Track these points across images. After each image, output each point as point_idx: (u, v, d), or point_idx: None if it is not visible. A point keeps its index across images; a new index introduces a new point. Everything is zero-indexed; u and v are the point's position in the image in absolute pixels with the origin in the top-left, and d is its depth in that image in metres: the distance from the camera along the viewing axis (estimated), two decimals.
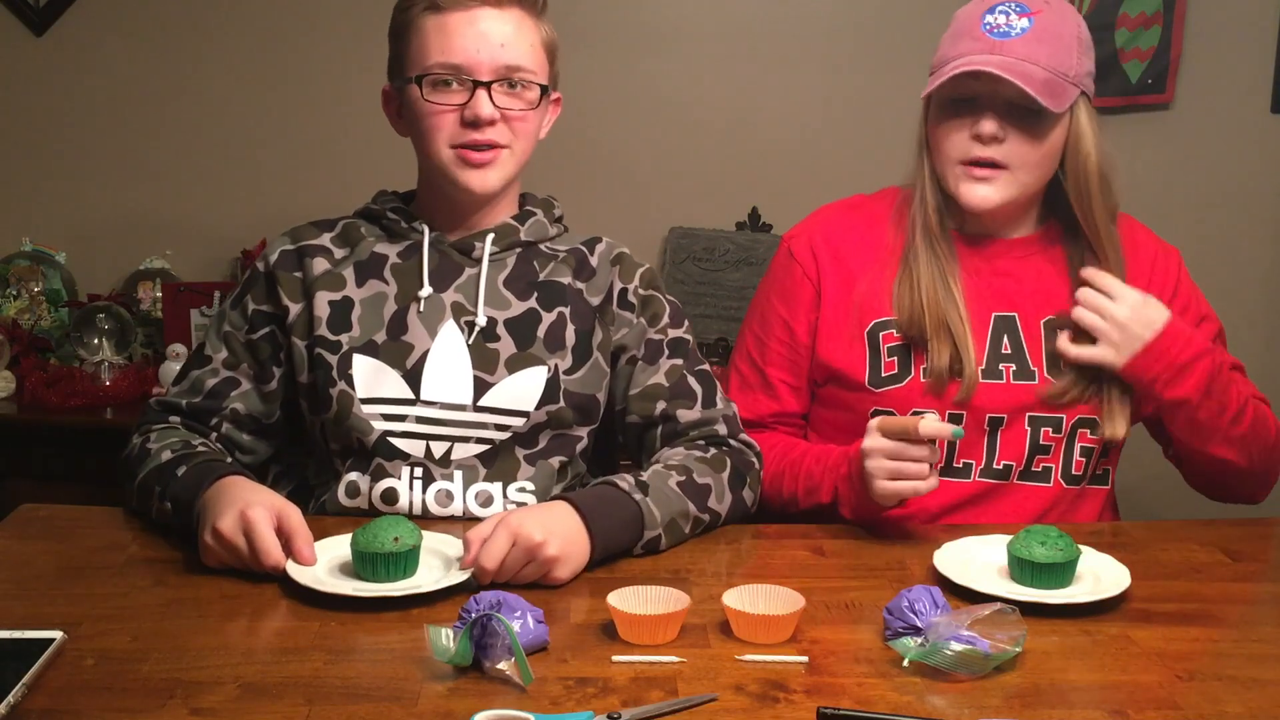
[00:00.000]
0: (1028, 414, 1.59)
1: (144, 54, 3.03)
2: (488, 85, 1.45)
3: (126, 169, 3.07)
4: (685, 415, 1.55)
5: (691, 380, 1.57)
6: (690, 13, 3.08)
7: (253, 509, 1.28)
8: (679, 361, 1.58)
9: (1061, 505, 1.62)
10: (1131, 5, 3.06)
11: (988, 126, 1.51)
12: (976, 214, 1.58)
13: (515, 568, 1.27)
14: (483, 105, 1.45)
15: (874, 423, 1.45)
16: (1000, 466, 1.60)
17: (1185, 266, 1.69)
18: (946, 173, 1.56)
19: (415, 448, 1.50)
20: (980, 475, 1.61)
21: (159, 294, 2.94)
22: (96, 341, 2.88)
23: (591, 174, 3.04)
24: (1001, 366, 1.59)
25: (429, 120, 1.47)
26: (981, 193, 1.54)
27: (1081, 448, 1.61)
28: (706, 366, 1.61)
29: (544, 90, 1.50)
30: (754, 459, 1.57)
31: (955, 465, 1.61)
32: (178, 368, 2.79)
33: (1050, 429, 1.59)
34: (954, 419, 1.58)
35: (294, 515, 1.30)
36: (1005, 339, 1.60)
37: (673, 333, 1.60)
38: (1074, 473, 1.62)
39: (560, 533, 1.30)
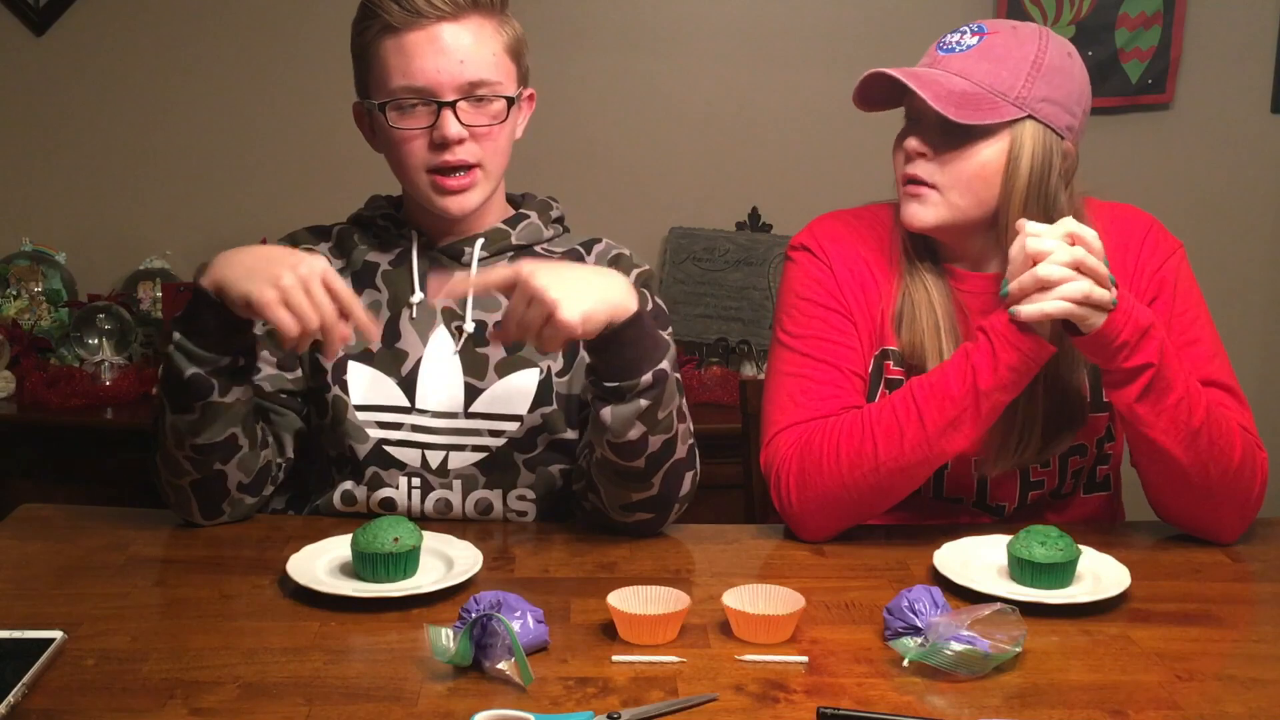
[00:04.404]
0: None
1: (144, 54, 3.04)
2: (452, 105, 1.42)
3: (126, 169, 3.07)
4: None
5: None
6: (690, 13, 3.08)
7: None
8: None
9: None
10: (1131, 5, 3.06)
11: (911, 142, 1.47)
12: (915, 232, 1.51)
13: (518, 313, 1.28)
14: (449, 126, 1.42)
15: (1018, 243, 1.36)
16: (992, 505, 1.58)
17: (1186, 264, 1.58)
18: (898, 191, 1.53)
19: (411, 457, 1.50)
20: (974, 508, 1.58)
21: (159, 294, 2.94)
22: (96, 341, 2.88)
23: (591, 174, 3.04)
24: None
25: (400, 148, 1.45)
26: (912, 210, 1.49)
27: (1073, 472, 1.58)
28: (679, 378, 1.54)
29: (510, 101, 1.47)
30: (698, 467, 1.48)
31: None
32: None
33: (1038, 464, 1.55)
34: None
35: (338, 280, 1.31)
36: None
37: None
38: (1064, 493, 1.60)
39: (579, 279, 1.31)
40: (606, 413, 1.35)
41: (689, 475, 1.45)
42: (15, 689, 1.00)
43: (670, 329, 1.59)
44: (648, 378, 1.34)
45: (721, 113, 3.10)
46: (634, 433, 1.36)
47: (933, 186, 1.47)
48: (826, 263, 1.57)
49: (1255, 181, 3.20)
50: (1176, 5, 3.06)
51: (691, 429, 1.46)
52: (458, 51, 1.42)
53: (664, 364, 1.35)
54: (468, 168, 1.45)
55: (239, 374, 1.39)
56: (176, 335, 1.36)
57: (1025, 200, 1.45)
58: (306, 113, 3.04)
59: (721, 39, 3.08)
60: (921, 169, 1.47)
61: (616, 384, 1.34)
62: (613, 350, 1.33)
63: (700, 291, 3.05)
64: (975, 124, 1.42)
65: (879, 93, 1.50)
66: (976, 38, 1.46)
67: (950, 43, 1.48)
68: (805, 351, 1.54)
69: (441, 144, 1.43)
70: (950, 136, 1.45)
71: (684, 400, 1.44)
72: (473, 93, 1.43)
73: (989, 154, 1.45)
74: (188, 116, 3.06)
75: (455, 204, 1.47)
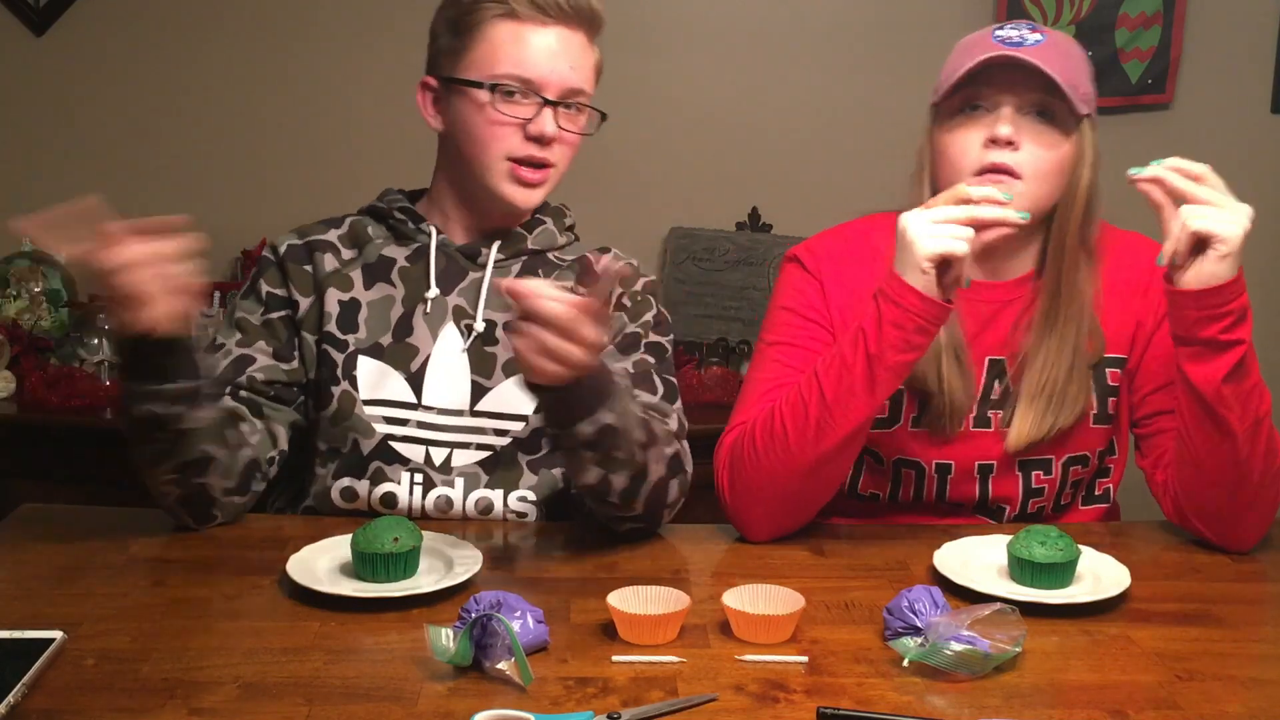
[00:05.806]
0: (1018, 459, 1.55)
1: (144, 54, 3.04)
2: (554, 105, 1.46)
3: (126, 169, 3.08)
4: (642, 398, 1.48)
5: (657, 379, 1.53)
6: (691, 13, 3.08)
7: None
8: (651, 360, 1.54)
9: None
10: (1131, 5, 3.06)
11: (1004, 130, 1.43)
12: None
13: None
14: (547, 123, 1.45)
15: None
16: (994, 507, 1.58)
17: None
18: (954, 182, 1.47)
19: (415, 453, 1.50)
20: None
21: None
22: (96, 341, 2.88)
23: (591, 174, 3.01)
24: (990, 414, 1.54)
25: (489, 129, 1.46)
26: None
27: (1073, 482, 1.58)
28: (675, 380, 1.56)
29: (603, 116, 1.52)
30: (689, 468, 1.48)
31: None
32: None
33: (1041, 471, 1.56)
34: (942, 469, 1.55)
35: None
36: (995, 384, 1.54)
37: (653, 336, 1.56)
38: (1062, 502, 1.60)
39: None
40: (559, 458, 1.34)
41: (674, 483, 1.43)
42: (15, 689, 1.00)
43: (671, 335, 1.61)
44: (587, 428, 1.29)
45: (721, 113, 3.10)
46: (591, 477, 1.34)
47: (1017, 177, 1.45)
48: (818, 278, 1.58)
49: (1255, 181, 3.17)
50: (1176, 5, 3.06)
51: (674, 434, 1.44)
52: (569, 56, 1.47)
53: (606, 417, 1.29)
54: (547, 165, 1.48)
55: (192, 398, 1.33)
56: (126, 383, 1.31)
57: (1090, 195, 1.49)
58: (308, 113, 3.04)
59: (722, 39, 3.08)
60: (1009, 157, 1.45)
61: (557, 434, 1.32)
62: (549, 403, 1.29)
63: (700, 291, 3.05)
64: (1085, 113, 1.46)
65: (962, 86, 1.47)
66: (1038, 34, 1.47)
67: (1013, 37, 1.47)
68: (777, 358, 1.55)
69: (536, 138, 1.46)
70: (1040, 126, 1.46)
71: (657, 423, 1.41)
72: (572, 99, 1.48)
73: (1068, 147, 1.48)
74: (188, 116, 3.06)
75: (524, 196, 1.49)
